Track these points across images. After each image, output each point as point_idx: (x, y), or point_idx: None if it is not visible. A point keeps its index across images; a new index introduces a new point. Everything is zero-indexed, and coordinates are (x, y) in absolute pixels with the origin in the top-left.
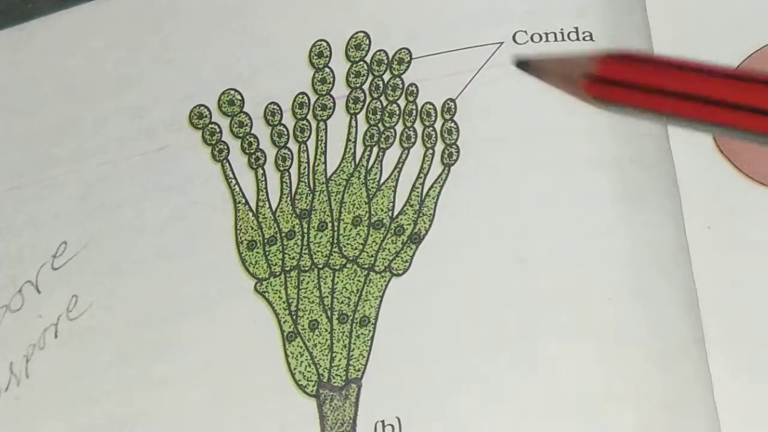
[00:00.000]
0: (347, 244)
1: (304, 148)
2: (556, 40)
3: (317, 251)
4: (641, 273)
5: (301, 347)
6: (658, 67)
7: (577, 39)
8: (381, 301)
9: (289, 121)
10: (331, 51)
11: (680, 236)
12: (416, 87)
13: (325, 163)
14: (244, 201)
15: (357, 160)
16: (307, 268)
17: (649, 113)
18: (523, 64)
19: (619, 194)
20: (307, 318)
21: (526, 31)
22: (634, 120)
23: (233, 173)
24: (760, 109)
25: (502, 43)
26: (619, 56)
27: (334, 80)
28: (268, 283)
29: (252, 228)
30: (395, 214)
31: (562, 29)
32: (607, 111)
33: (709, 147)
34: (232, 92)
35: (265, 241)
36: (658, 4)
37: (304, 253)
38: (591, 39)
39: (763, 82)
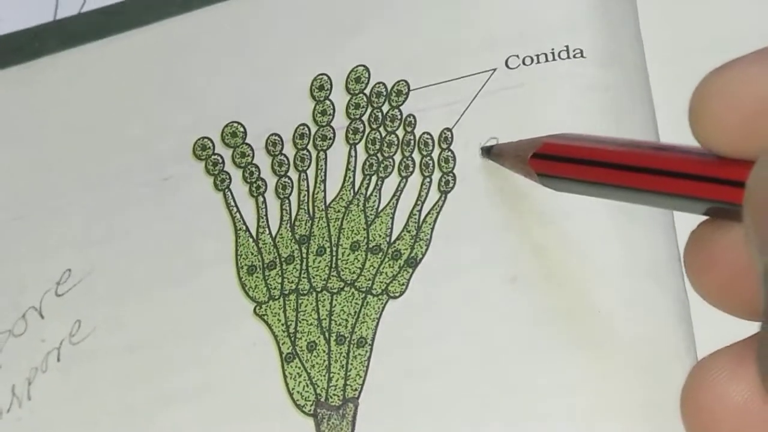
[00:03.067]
0: (345, 268)
1: (305, 177)
2: (547, 60)
3: (316, 275)
4: (633, 284)
5: (299, 368)
6: (594, 143)
7: (568, 57)
8: (378, 323)
9: (290, 151)
10: (331, 84)
11: (672, 246)
12: (414, 118)
13: (324, 191)
14: (244, 228)
15: (356, 188)
16: (305, 292)
17: (589, 186)
18: (486, 151)
19: (612, 207)
20: (306, 340)
21: (517, 55)
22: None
23: (234, 201)
24: (684, 174)
25: (495, 69)
26: (560, 136)
27: (334, 112)
28: (267, 306)
29: (252, 253)
30: (393, 239)
31: (553, 49)
32: (554, 190)
33: None
34: (235, 125)
35: (265, 265)
36: (650, 18)
37: (303, 277)
38: (582, 56)
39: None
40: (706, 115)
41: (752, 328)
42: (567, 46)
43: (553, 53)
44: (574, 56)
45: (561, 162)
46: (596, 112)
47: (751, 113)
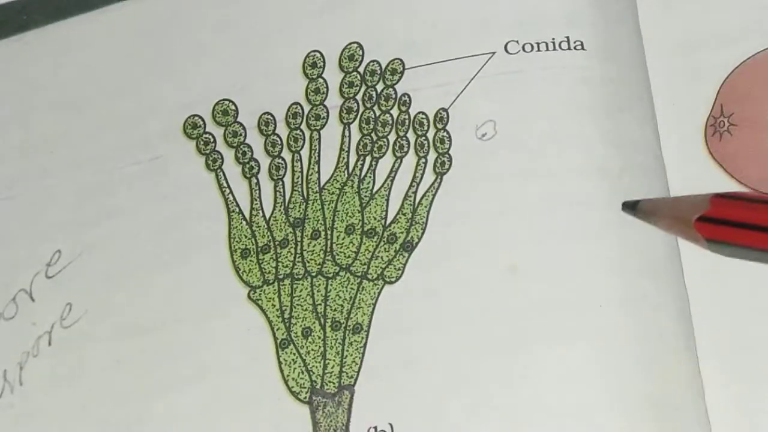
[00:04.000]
0: (340, 252)
1: (298, 158)
2: (547, 49)
3: (310, 259)
4: (633, 279)
5: (294, 354)
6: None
7: (569, 48)
8: (374, 309)
9: (282, 130)
10: (324, 61)
11: (672, 242)
12: (409, 97)
13: (318, 172)
14: (237, 210)
15: (350, 170)
16: (300, 276)
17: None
18: (630, 206)
19: (611, 202)
20: (300, 325)
21: (517, 41)
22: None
23: (227, 182)
24: None
25: (494, 53)
26: (730, 196)
27: (327, 90)
28: (261, 290)
29: (245, 236)
30: (388, 222)
31: (553, 38)
32: (721, 252)
33: (701, 154)
34: (227, 102)
35: (259, 249)
36: (650, 12)
37: (298, 262)
38: (582, 48)
39: None
40: None
41: (755, 331)
42: (567, 37)
43: (553, 43)
44: (575, 48)
45: (734, 227)
46: (595, 105)
47: None
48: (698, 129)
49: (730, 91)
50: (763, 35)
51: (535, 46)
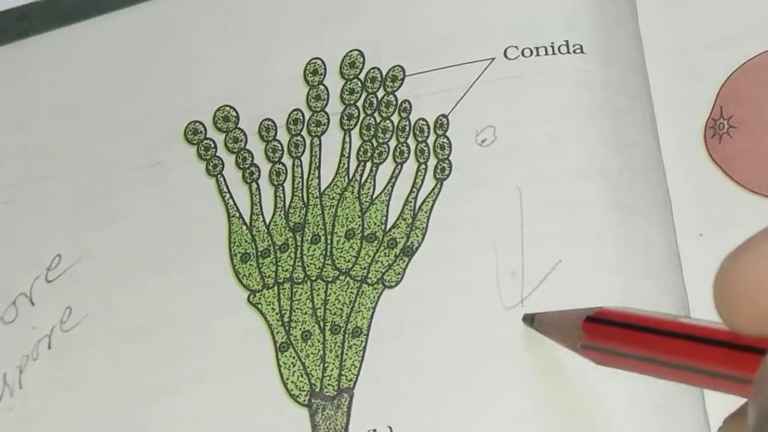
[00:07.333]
0: (340, 256)
1: (299, 163)
2: (546, 53)
3: (310, 264)
4: (633, 280)
5: (293, 357)
6: (643, 319)
7: (568, 52)
8: (373, 313)
9: (283, 136)
10: (325, 69)
11: (672, 244)
12: (409, 103)
13: (318, 177)
14: (238, 214)
15: (350, 175)
16: (300, 280)
17: (639, 359)
18: (529, 320)
19: (611, 204)
20: (300, 329)
21: (516, 46)
22: (626, 131)
23: (227, 187)
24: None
25: (493, 58)
26: (611, 310)
27: (328, 97)
28: (261, 294)
29: (246, 241)
30: (388, 227)
31: (552, 43)
32: (602, 365)
33: (701, 156)
34: (228, 109)
35: (259, 253)
36: (649, 14)
37: (297, 266)
38: (581, 51)
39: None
40: (730, 302)
41: None
42: (567, 41)
43: (552, 47)
44: (574, 51)
45: (617, 327)
46: (595, 108)
47: None
48: (698, 131)
49: (729, 94)
50: (762, 37)
51: (534, 50)
